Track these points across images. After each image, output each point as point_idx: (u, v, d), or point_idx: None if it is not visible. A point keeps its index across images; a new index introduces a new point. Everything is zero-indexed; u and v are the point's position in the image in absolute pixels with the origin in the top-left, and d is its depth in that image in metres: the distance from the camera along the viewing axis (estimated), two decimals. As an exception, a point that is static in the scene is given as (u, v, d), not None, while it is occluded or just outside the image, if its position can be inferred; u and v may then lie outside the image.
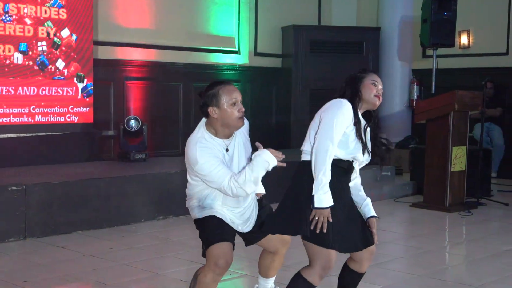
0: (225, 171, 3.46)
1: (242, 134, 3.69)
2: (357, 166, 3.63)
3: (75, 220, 6.19)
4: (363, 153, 3.54)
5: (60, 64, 7.53)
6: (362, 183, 3.74)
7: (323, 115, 3.43)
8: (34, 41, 7.31)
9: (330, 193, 3.35)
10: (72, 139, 7.66)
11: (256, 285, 4.20)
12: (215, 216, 3.58)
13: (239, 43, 10.21)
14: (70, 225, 6.16)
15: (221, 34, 9.95)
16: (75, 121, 7.67)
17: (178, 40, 9.42)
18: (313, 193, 3.33)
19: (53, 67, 7.46)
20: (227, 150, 3.58)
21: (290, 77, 10.41)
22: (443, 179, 7.41)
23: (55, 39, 7.47)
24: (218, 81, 3.61)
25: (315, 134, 3.41)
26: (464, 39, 10.46)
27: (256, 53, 10.44)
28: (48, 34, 7.40)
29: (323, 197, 3.33)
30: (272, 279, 4.14)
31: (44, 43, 7.38)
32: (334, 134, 3.35)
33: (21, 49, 7.23)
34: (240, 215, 3.68)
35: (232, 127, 3.56)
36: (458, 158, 7.46)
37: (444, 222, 7.10)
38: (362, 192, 3.69)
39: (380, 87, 3.56)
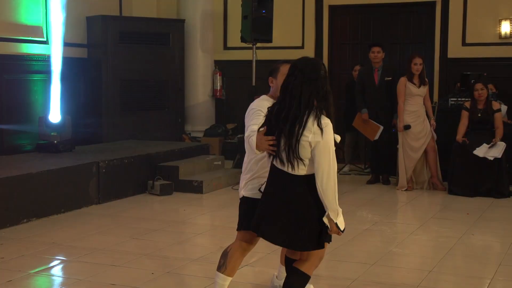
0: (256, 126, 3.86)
1: None
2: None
3: None
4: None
5: None
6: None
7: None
8: None
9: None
10: None
11: (275, 273, 4.58)
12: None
13: (47, 32, 9.85)
14: None
15: (29, 23, 9.52)
16: None
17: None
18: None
19: None
20: None
21: (99, 68, 10.31)
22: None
23: None
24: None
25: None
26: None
27: (64, 44, 10.13)
28: None
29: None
30: None
31: None
32: None
33: None
34: None
35: None
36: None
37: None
38: None
39: None
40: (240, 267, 4.96)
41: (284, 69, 3.91)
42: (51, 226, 6.50)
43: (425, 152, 8.51)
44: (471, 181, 8.11)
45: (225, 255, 4.11)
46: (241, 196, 4.08)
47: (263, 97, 4.13)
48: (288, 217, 3.64)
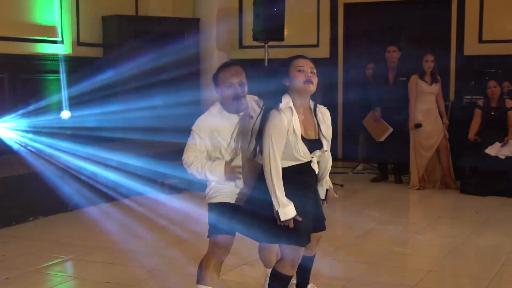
0: (195, 148, 3.94)
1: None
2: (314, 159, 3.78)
3: None
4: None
5: None
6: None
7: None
8: None
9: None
10: None
11: (268, 273, 4.41)
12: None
13: (62, 32, 9.93)
14: None
15: (43, 23, 9.60)
16: None
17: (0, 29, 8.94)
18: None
19: None
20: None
21: (115, 68, 10.35)
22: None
23: None
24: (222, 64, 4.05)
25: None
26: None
27: (79, 43, 10.22)
28: None
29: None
30: None
31: None
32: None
33: None
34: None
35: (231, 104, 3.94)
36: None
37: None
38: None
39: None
40: (238, 266, 4.97)
41: (222, 75, 3.91)
42: (56, 224, 6.56)
43: (438, 150, 8.41)
44: (483, 180, 7.99)
45: (200, 266, 3.91)
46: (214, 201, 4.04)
47: (215, 109, 4.01)
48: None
